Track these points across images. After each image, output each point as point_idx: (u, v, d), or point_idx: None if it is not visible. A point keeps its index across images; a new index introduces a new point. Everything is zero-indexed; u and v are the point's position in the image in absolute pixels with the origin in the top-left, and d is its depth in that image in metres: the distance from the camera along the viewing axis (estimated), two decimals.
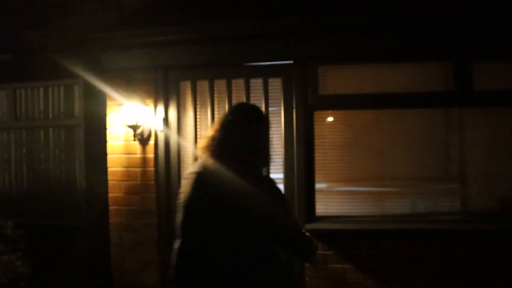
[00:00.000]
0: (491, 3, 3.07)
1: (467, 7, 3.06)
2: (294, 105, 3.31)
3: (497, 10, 3.04)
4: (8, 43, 4.16)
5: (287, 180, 3.40)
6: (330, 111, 3.38)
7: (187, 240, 1.84)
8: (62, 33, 4.02)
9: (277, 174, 3.40)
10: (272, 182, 1.82)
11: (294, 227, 1.83)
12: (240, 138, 1.82)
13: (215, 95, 3.50)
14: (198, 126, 3.52)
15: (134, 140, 3.47)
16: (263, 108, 3.35)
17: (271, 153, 1.93)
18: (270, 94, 3.41)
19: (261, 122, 1.89)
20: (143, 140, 3.48)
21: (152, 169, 3.46)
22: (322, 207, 3.33)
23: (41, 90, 4.17)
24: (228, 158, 1.80)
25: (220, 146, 1.82)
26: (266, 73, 3.39)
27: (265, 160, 1.92)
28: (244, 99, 3.42)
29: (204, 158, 1.87)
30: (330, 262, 3.23)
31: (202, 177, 1.82)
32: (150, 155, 3.46)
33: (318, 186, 3.31)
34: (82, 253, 3.83)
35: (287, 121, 3.34)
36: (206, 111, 3.51)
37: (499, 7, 3.03)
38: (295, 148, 3.30)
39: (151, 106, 3.46)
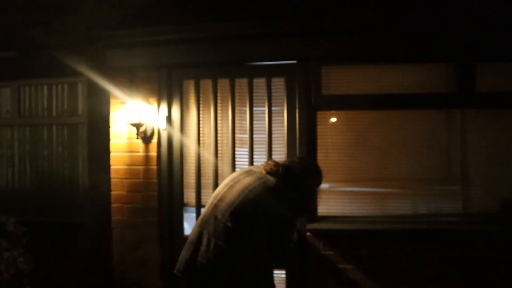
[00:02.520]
0: (495, 4, 3.06)
1: (470, 8, 3.06)
2: (297, 105, 3.32)
3: (501, 11, 3.03)
4: (12, 41, 4.18)
5: None
6: (333, 112, 3.38)
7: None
8: (66, 31, 4.03)
9: None
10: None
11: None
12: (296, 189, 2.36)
13: (218, 94, 3.51)
14: (201, 125, 3.53)
15: (137, 138, 3.49)
16: (266, 108, 3.39)
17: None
18: (273, 94, 3.41)
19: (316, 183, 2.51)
20: (146, 138, 3.49)
21: (154, 167, 3.47)
22: (324, 207, 3.34)
23: (45, 87, 4.18)
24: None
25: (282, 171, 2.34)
26: (269, 73, 3.40)
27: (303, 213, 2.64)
28: (247, 99, 3.43)
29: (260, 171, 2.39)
30: (331, 262, 3.23)
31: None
32: (153, 153, 3.48)
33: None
34: (84, 250, 3.84)
35: (289, 121, 3.35)
36: (209, 110, 3.52)
37: (503, 8, 3.02)
38: (297, 147, 3.31)
39: (154, 104, 3.47)
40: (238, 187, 2.29)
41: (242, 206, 2.20)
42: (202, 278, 2.18)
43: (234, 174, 2.45)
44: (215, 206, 2.29)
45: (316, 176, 2.50)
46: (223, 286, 2.15)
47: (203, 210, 2.41)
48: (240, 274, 2.14)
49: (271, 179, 2.31)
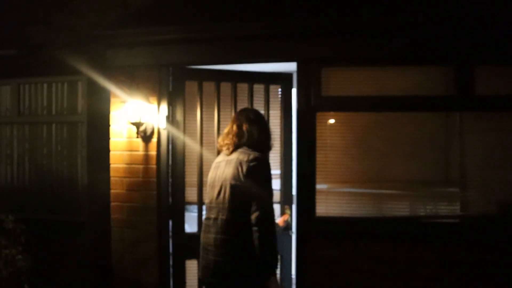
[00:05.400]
0: (495, 8, 3.09)
1: (470, 11, 3.08)
2: (296, 106, 3.33)
3: (501, 15, 3.06)
4: (12, 39, 4.17)
5: (286, 180, 3.44)
6: (332, 113, 3.39)
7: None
8: (67, 29, 4.03)
9: (277, 170, 3.44)
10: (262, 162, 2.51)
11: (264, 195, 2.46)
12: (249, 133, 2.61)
13: (218, 96, 3.55)
14: (203, 126, 3.55)
15: (137, 137, 3.49)
16: (264, 111, 3.52)
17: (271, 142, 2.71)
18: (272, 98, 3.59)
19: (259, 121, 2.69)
20: (146, 138, 3.49)
21: (154, 166, 3.48)
22: (322, 208, 3.35)
23: (45, 86, 4.18)
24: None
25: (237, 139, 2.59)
26: (267, 80, 3.59)
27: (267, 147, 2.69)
28: (246, 100, 3.52)
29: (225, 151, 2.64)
30: (330, 262, 3.25)
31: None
32: (153, 152, 3.48)
33: (318, 187, 3.33)
34: (83, 249, 3.84)
35: (286, 122, 3.48)
36: (209, 111, 3.55)
37: (503, 12, 3.05)
38: (296, 148, 3.32)
39: (155, 103, 3.48)
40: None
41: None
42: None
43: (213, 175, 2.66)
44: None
45: (261, 117, 2.74)
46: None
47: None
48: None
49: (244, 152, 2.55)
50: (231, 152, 2.57)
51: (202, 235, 2.59)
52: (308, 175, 3.29)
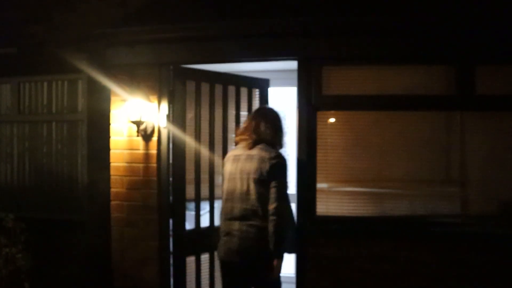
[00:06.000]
0: (496, 7, 3.08)
1: (472, 11, 3.08)
2: (297, 105, 3.33)
3: (501, 14, 3.05)
4: (12, 37, 4.16)
5: None
6: (333, 112, 3.39)
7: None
8: (67, 28, 4.02)
9: None
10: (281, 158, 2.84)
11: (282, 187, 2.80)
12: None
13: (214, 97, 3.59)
14: (201, 125, 3.56)
15: (137, 135, 3.49)
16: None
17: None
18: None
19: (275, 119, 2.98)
20: (146, 136, 3.49)
21: (154, 165, 3.47)
22: (323, 207, 3.35)
23: (45, 84, 4.17)
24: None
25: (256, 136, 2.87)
26: (250, 84, 3.81)
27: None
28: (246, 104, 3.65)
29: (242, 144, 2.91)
30: (330, 261, 3.25)
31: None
32: (153, 151, 3.48)
33: (319, 186, 3.33)
34: (83, 248, 3.84)
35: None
36: (211, 110, 3.56)
37: (503, 11, 3.04)
38: (297, 147, 3.32)
39: (155, 102, 3.47)
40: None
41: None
42: None
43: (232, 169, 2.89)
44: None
45: (277, 115, 3.02)
46: None
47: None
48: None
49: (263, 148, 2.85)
50: (251, 148, 2.85)
51: (223, 223, 2.90)
52: (308, 174, 3.29)
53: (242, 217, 2.79)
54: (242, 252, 2.77)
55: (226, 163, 2.95)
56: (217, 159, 3.61)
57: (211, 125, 3.63)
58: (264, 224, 2.73)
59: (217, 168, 3.60)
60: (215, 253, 3.34)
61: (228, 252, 2.83)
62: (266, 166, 2.75)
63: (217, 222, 3.53)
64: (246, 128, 2.94)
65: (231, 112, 3.74)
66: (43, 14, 4.10)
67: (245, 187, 2.79)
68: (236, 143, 3.01)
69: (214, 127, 3.66)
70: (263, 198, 2.75)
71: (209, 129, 3.63)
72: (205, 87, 3.60)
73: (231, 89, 3.72)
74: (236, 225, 2.80)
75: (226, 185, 2.91)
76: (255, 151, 2.83)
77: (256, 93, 3.85)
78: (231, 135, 3.69)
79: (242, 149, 2.90)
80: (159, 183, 3.48)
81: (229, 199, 2.87)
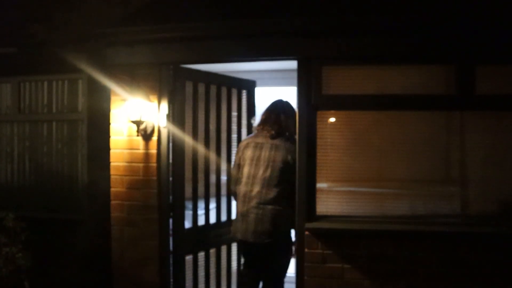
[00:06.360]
0: (496, 7, 3.08)
1: (472, 10, 3.08)
2: (297, 104, 3.33)
3: (501, 13, 3.05)
4: (12, 36, 4.17)
5: None
6: (333, 111, 3.38)
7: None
8: (67, 27, 4.03)
9: None
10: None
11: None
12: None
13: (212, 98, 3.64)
14: (200, 125, 3.57)
15: (137, 135, 3.49)
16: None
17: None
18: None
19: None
20: (146, 136, 3.49)
21: (154, 164, 3.48)
22: (322, 207, 3.34)
23: (45, 83, 4.18)
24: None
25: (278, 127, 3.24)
26: (240, 85, 3.99)
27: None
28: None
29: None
30: (330, 261, 3.24)
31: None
32: (153, 150, 3.48)
33: (319, 185, 3.33)
34: (83, 247, 3.85)
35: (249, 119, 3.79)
36: (211, 110, 3.56)
37: (503, 11, 3.04)
38: (297, 147, 3.31)
39: (155, 102, 3.47)
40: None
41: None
42: None
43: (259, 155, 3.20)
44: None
45: (292, 108, 3.37)
46: None
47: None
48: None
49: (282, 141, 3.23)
50: (275, 138, 3.19)
51: (241, 204, 3.16)
52: (308, 173, 3.28)
53: (261, 201, 3.06)
54: (258, 233, 3.04)
55: (246, 149, 3.22)
56: (217, 159, 3.62)
57: (211, 125, 3.64)
58: (280, 208, 3.07)
59: (216, 168, 3.60)
60: (211, 252, 3.38)
61: (245, 232, 3.10)
62: (293, 156, 3.14)
63: (212, 220, 3.67)
64: (265, 120, 3.27)
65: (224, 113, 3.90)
66: (43, 14, 4.11)
67: (268, 173, 3.09)
68: (255, 132, 3.33)
69: (220, 128, 3.81)
70: (285, 185, 3.09)
71: (215, 131, 3.78)
72: (202, 88, 3.67)
73: (224, 90, 3.88)
74: (254, 207, 3.07)
75: (246, 169, 3.17)
76: (279, 142, 3.18)
77: (244, 94, 4.03)
78: (233, 136, 3.85)
79: (263, 138, 3.22)
80: (159, 182, 3.48)
81: (249, 182, 3.13)
